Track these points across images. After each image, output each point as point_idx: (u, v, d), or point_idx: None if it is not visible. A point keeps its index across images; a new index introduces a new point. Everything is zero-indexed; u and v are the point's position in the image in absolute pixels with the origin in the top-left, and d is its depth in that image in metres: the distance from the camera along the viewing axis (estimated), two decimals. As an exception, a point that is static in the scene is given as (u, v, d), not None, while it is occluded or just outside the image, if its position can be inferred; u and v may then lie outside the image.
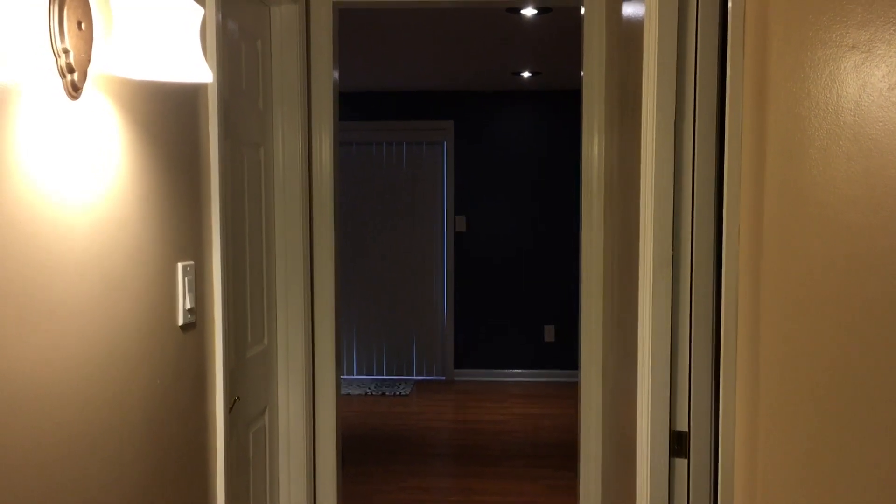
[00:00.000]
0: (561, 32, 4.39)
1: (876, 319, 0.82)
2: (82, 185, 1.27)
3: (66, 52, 1.19)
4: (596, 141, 2.70)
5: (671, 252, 1.68)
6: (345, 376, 6.50)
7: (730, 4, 1.37)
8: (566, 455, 4.21)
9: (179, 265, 1.66)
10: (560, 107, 6.34)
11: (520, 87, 6.28)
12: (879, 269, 0.80)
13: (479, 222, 6.53)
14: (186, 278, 1.68)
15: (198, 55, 1.31)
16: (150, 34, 1.25)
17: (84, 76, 1.25)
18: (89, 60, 1.25)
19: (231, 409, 2.03)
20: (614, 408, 2.47)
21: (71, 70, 1.21)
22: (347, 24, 3.19)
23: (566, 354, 6.31)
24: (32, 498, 1.14)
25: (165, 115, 1.60)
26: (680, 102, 1.67)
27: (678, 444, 1.73)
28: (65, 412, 1.22)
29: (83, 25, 1.23)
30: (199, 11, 1.31)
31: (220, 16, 1.87)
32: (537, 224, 6.47)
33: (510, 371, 6.45)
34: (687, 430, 1.73)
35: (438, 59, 5.35)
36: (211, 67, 1.82)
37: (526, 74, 5.76)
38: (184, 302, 1.67)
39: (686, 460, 1.74)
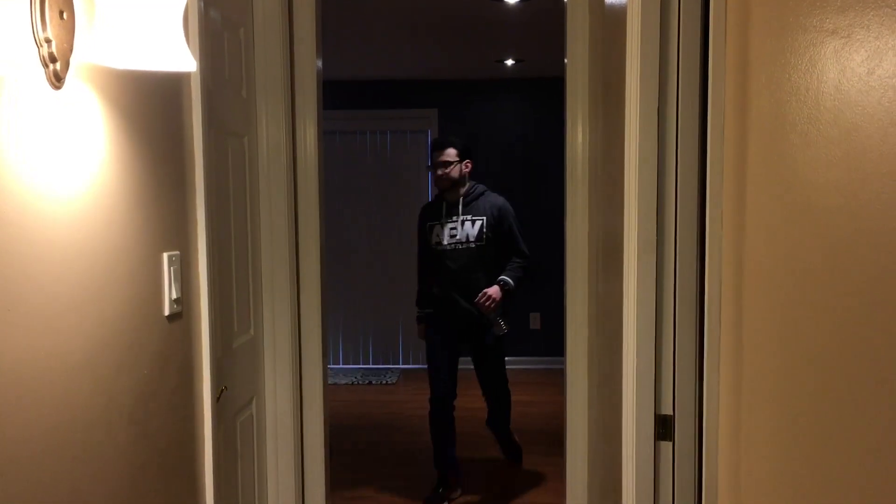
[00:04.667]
0: (544, 19, 4.39)
1: (856, 301, 0.84)
2: (66, 175, 1.26)
3: (48, 41, 1.18)
4: (580, 128, 2.71)
5: (655, 237, 1.70)
6: (331, 366, 6.50)
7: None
8: (553, 442, 4.24)
9: (165, 255, 1.65)
10: (544, 94, 6.34)
11: (503, 75, 6.28)
12: (859, 252, 0.81)
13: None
14: (172, 268, 1.68)
15: (181, 44, 1.31)
16: (133, 23, 1.25)
17: (67, 66, 1.24)
18: (72, 50, 1.25)
19: (218, 398, 2.03)
20: (600, 393, 2.49)
21: (53, 60, 1.20)
22: (330, 12, 3.18)
23: (552, 341, 6.34)
24: (19, 491, 1.14)
25: (149, 105, 1.59)
26: (663, 87, 1.68)
27: (663, 427, 1.76)
28: (50, 404, 1.22)
29: (65, 14, 1.22)
30: (182, 0, 1.30)
31: (202, 4, 1.86)
32: (522, 211, 6.49)
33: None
34: (672, 413, 1.75)
35: (422, 48, 5.34)
36: (194, 56, 1.81)
37: (510, 62, 5.76)
38: (170, 292, 1.67)
39: (671, 443, 1.76)
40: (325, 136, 3.00)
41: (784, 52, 1.02)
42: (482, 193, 3.90)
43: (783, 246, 1.05)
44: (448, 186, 3.80)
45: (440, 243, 3.86)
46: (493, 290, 3.77)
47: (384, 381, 6.26)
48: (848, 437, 0.90)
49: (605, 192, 2.35)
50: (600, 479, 2.49)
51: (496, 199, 3.93)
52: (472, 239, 3.81)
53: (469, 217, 3.83)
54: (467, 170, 3.83)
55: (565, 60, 2.76)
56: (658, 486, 1.76)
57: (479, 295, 3.77)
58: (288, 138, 2.67)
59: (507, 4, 4.14)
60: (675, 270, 1.70)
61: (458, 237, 3.82)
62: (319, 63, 2.83)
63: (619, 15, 1.96)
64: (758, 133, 1.14)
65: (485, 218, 3.81)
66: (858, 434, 0.87)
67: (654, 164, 1.68)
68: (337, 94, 6.10)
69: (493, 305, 3.76)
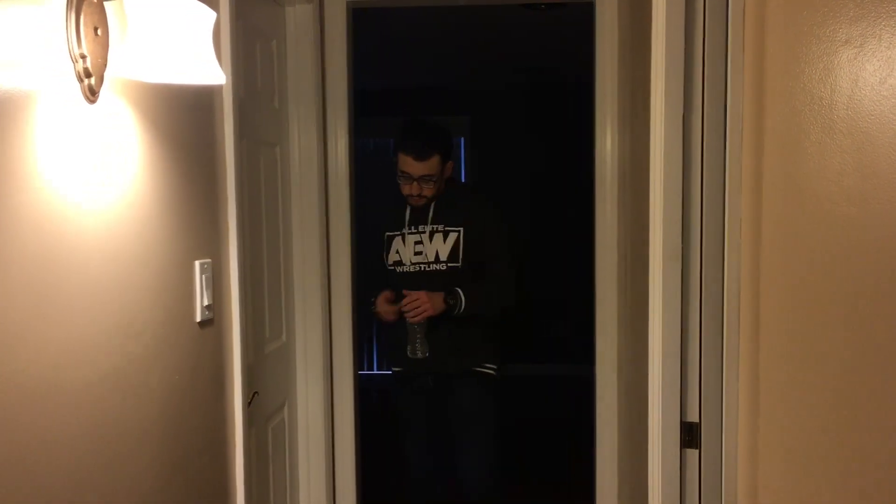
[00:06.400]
0: (577, 27, 4.39)
1: (868, 308, 0.83)
2: (100, 186, 1.31)
3: (83, 57, 1.23)
4: (609, 135, 2.71)
5: (680, 245, 1.69)
6: (365, 371, 6.54)
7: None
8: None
9: (197, 263, 1.70)
10: (577, 101, 6.33)
11: (537, 82, 6.28)
12: (871, 260, 0.81)
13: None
14: (204, 276, 1.72)
15: (210, 58, 1.35)
16: (165, 38, 1.29)
17: (101, 80, 1.28)
18: (106, 65, 1.29)
19: (250, 403, 2.07)
20: (629, 401, 2.48)
21: (88, 74, 1.24)
22: (363, 21, 3.22)
23: (581, 349, 6.31)
24: (54, 493, 1.18)
25: (181, 117, 1.63)
26: (688, 95, 1.68)
27: (689, 434, 1.75)
28: (84, 407, 1.26)
29: (99, 31, 1.27)
30: (212, 15, 1.34)
31: (234, 18, 1.91)
32: (556, 218, 6.47)
33: (521, 365, 6.45)
34: (698, 420, 1.74)
35: (453, 55, 5.37)
36: (225, 69, 1.86)
37: (543, 69, 5.76)
38: (201, 299, 1.71)
39: (697, 451, 1.75)
40: (359, 141, 3.04)
41: (798, 62, 1.02)
42: (462, 194, 2.88)
43: (798, 254, 1.06)
44: (424, 205, 2.77)
45: (399, 262, 2.80)
46: (433, 298, 2.68)
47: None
48: (865, 446, 0.90)
49: (634, 200, 2.35)
50: (629, 487, 2.48)
51: (481, 203, 2.88)
52: (442, 258, 2.72)
53: (441, 227, 2.74)
54: (448, 174, 2.77)
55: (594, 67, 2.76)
56: (684, 494, 1.76)
57: (409, 295, 2.69)
58: (319, 147, 2.71)
59: (539, 12, 4.15)
60: (701, 277, 1.70)
61: (424, 255, 2.75)
62: (350, 73, 2.87)
63: (648, 22, 1.96)
64: (773, 141, 1.15)
65: (462, 229, 2.72)
66: (874, 443, 0.87)
67: (679, 172, 1.68)
68: (371, 102, 6.15)
69: (421, 314, 2.70)
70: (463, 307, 2.70)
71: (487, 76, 6.06)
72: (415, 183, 2.70)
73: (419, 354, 2.72)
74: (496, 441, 2.95)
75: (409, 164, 2.68)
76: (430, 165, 2.67)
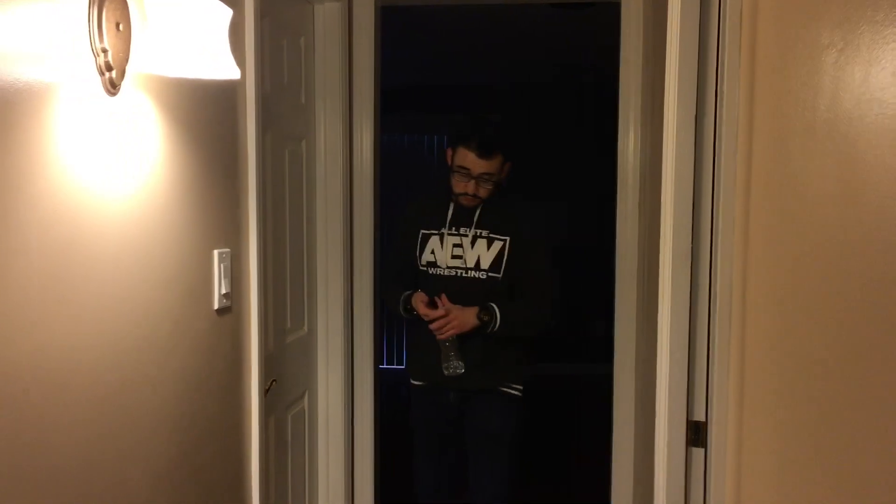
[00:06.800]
0: (607, 26, 4.38)
1: (849, 309, 0.84)
2: (122, 176, 1.36)
3: (104, 51, 1.28)
4: (632, 134, 2.72)
5: (690, 244, 1.70)
6: (389, 366, 6.59)
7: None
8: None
9: (215, 252, 1.75)
10: (609, 99, 6.30)
11: (568, 80, 6.27)
12: (853, 262, 0.82)
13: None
14: (222, 265, 1.77)
15: (226, 54, 1.39)
16: (183, 35, 1.34)
17: (122, 74, 1.34)
18: (127, 59, 1.34)
19: (267, 390, 2.12)
20: (644, 400, 2.49)
21: (109, 68, 1.30)
22: (394, 18, 3.25)
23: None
24: (69, 474, 1.23)
25: (203, 110, 1.69)
26: (703, 98, 1.68)
27: (696, 433, 1.76)
28: (102, 389, 1.32)
29: (121, 26, 1.32)
30: (228, 13, 1.39)
31: (258, 15, 1.96)
32: (589, 217, 6.45)
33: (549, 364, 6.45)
34: (704, 419, 1.75)
35: (484, 53, 5.39)
36: (248, 65, 1.91)
37: (575, 66, 5.75)
38: (219, 287, 1.76)
39: (703, 449, 1.76)
40: (392, 137, 3.08)
41: (785, 64, 1.03)
42: (513, 201, 2.65)
43: (783, 256, 1.06)
44: (473, 206, 2.57)
45: (434, 264, 2.61)
46: (465, 314, 2.51)
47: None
48: (847, 445, 0.91)
49: (653, 199, 2.35)
50: (643, 488, 2.48)
51: (534, 215, 2.68)
52: (483, 266, 2.54)
53: (486, 233, 2.56)
54: (503, 178, 2.59)
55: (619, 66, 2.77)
56: (689, 493, 1.76)
57: (439, 309, 2.51)
58: (345, 142, 2.75)
59: (569, 11, 4.15)
60: (711, 277, 1.70)
61: (463, 260, 2.56)
62: (377, 71, 2.91)
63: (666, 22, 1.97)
64: (762, 143, 1.15)
65: (509, 239, 2.54)
66: (857, 443, 0.88)
67: (690, 173, 1.69)
68: (404, 98, 6.20)
69: (448, 332, 2.52)
70: (497, 326, 2.51)
71: (520, 73, 6.07)
72: (472, 181, 2.49)
73: (456, 371, 2.52)
74: (514, 462, 2.74)
75: (471, 160, 2.47)
76: (492, 164, 2.48)
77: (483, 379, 2.61)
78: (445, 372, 2.53)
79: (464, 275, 2.56)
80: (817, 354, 0.96)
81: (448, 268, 2.58)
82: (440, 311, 2.51)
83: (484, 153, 2.47)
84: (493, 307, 2.51)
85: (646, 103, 2.63)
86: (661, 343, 1.77)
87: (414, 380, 2.78)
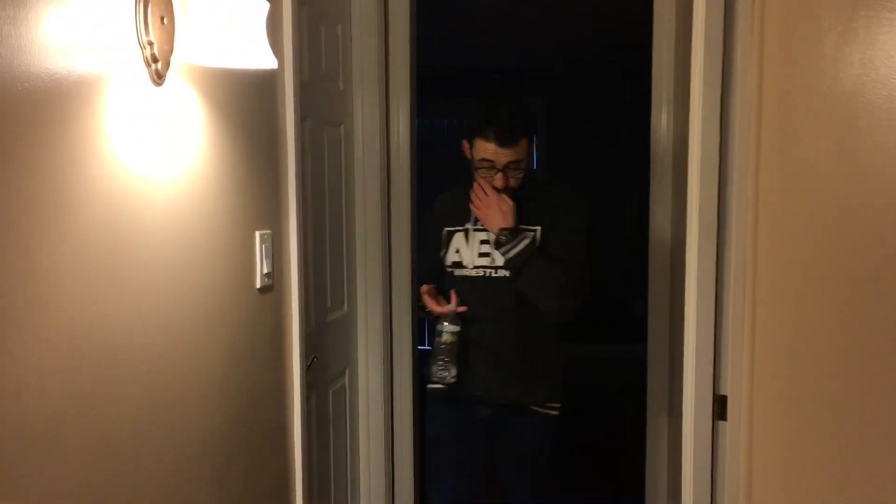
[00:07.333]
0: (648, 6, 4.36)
1: (852, 288, 0.88)
2: (168, 162, 1.45)
3: (150, 44, 1.37)
4: (664, 114, 2.74)
5: (716, 223, 1.74)
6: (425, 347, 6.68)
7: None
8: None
9: (257, 233, 1.84)
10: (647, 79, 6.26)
11: (614, 62, 6.24)
12: (856, 242, 0.86)
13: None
14: (263, 245, 1.86)
15: (264, 44, 1.47)
16: (223, 26, 1.42)
17: (167, 65, 1.42)
18: (171, 51, 1.43)
19: (309, 366, 2.22)
20: (676, 378, 2.52)
21: (155, 60, 1.38)
22: (428, 4, 3.30)
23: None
24: (122, 447, 1.31)
25: (244, 98, 1.77)
26: (728, 78, 1.70)
27: (722, 407, 1.80)
28: (150, 364, 1.41)
29: (165, 20, 1.40)
30: (265, 6, 1.46)
31: (296, 5, 2.03)
32: (632, 202, 6.44)
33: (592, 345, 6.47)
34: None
35: (526, 35, 5.40)
36: (286, 54, 1.99)
37: (619, 48, 5.72)
38: (261, 266, 1.85)
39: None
40: (431, 122, 3.13)
41: (790, 45, 1.06)
42: (539, 185, 2.40)
43: (789, 236, 1.09)
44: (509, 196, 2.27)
45: (459, 264, 2.36)
46: (506, 214, 2.23)
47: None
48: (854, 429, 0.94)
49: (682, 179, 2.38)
50: (675, 460, 2.52)
51: (564, 197, 2.40)
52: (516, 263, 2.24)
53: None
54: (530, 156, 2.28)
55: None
56: (715, 466, 1.81)
57: (454, 298, 2.27)
58: (382, 127, 2.83)
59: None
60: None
61: (491, 258, 2.30)
62: (413, 56, 2.97)
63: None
64: (770, 125, 1.18)
65: (540, 228, 2.27)
66: (864, 425, 0.92)
67: (715, 151, 1.72)
68: (445, 83, 6.24)
69: (487, 215, 2.25)
70: (528, 252, 2.17)
71: (563, 56, 6.05)
72: (499, 174, 2.20)
73: (443, 380, 2.22)
74: (546, 474, 2.48)
75: (493, 152, 2.18)
76: (517, 150, 2.19)
77: (518, 396, 2.33)
78: (433, 378, 2.25)
79: (493, 275, 2.28)
80: (817, 322, 0.99)
81: (475, 267, 2.30)
82: (447, 308, 2.25)
83: (505, 141, 2.18)
84: (534, 231, 2.23)
85: (678, 82, 2.65)
86: (689, 317, 1.81)
87: (431, 383, 2.39)
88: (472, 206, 2.28)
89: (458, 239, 2.38)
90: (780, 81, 1.11)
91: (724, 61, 1.66)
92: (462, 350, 2.29)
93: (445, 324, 2.24)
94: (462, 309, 2.24)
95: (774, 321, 1.19)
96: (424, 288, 2.33)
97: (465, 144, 2.31)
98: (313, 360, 2.30)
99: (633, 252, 6.36)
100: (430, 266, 2.51)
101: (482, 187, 2.22)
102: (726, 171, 1.72)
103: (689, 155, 1.79)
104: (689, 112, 1.78)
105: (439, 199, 2.55)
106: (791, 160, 1.06)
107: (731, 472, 1.68)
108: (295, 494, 2.08)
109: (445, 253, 2.41)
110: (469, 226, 2.36)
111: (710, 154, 1.72)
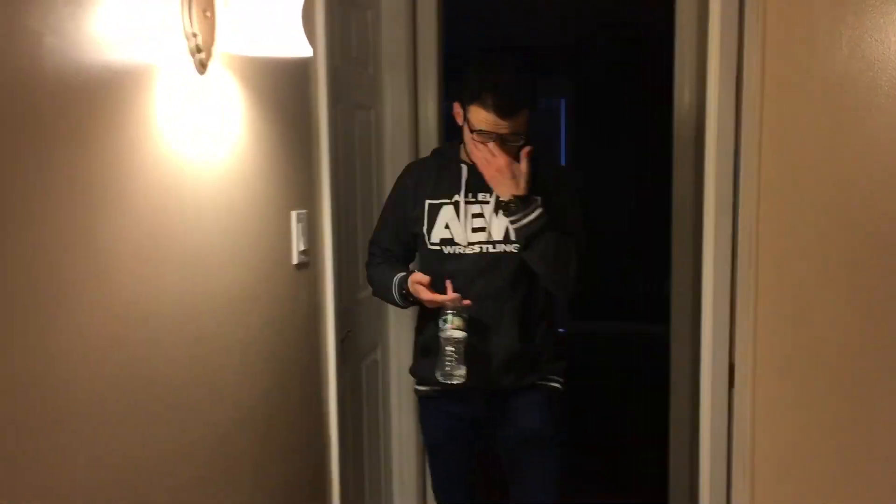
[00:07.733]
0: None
1: (842, 267, 0.94)
2: (210, 145, 1.55)
3: (194, 35, 1.47)
4: (687, 90, 2.78)
5: (731, 197, 1.80)
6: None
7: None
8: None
9: (293, 213, 1.94)
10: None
11: (642, 42, 6.22)
12: (849, 227, 0.92)
13: (596, 179, 6.42)
14: (300, 224, 1.96)
15: (299, 33, 1.56)
16: (260, 18, 1.51)
17: (210, 55, 1.52)
18: (214, 41, 1.53)
19: (343, 340, 2.32)
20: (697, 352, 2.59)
21: (199, 50, 1.48)
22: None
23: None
24: (164, 414, 1.40)
25: (280, 85, 1.87)
26: (741, 59, 1.76)
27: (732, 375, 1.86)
28: (201, 335, 1.52)
29: (208, 13, 1.50)
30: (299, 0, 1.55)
31: (327, -6, 2.12)
32: (662, 182, 6.44)
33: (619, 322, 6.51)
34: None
35: (554, 14, 5.43)
36: (319, 41, 2.08)
37: (647, 27, 5.72)
38: (297, 244, 1.96)
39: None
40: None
41: (792, 36, 1.11)
42: (534, 157, 1.98)
43: (785, 219, 1.15)
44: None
45: (450, 241, 2.06)
46: (517, 179, 1.95)
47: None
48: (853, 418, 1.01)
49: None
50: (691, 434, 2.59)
51: (561, 171, 2.36)
52: (513, 238, 2.01)
53: None
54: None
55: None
56: (731, 434, 1.87)
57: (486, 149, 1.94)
58: (411, 111, 2.91)
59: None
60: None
61: (487, 233, 2.03)
62: (440, 41, 3.04)
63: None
64: (771, 107, 1.24)
65: (539, 199, 1.98)
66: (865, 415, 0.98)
67: (730, 129, 1.77)
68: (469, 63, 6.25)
69: (494, 175, 1.96)
70: (539, 222, 1.92)
71: (591, 35, 6.05)
72: (495, 143, 1.92)
73: (453, 379, 1.94)
74: (560, 463, 2.19)
75: (491, 122, 1.90)
76: (517, 122, 1.92)
77: (516, 378, 2.08)
78: (440, 378, 1.95)
79: (490, 250, 2.01)
80: (820, 285, 1.06)
81: (470, 244, 2.02)
82: (450, 296, 1.95)
83: (506, 113, 1.89)
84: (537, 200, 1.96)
85: (701, 58, 2.69)
86: (706, 287, 1.88)
87: (422, 385, 2.20)
88: (479, 166, 1.96)
89: (447, 213, 2.05)
90: (781, 63, 1.16)
91: (738, 43, 1.72)
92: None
93: (450, 315, 1.94)
94: (467, 302, 1.95)
95: (775, 291, 1.26)
96: (418, 277, 2.01)
97: (457, 108, 2.02)
98: (347, 333, 2.40)
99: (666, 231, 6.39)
100: (387, 244, 2.18)
101: (490, 149, 1.93)
102: (742, 148, 1.78)
103: (706, 133, 1.85)
104: (706, 92, 1.84)
105: (413, 167, 2.22)
106: (790, 152, 1.12)
107: (741, 437, 1.75)
108: (331, 461, 2.19)
109: (430, 229, 2.06)
110: (459, 198, 2.04)
111: (726, 132, 1.78)
